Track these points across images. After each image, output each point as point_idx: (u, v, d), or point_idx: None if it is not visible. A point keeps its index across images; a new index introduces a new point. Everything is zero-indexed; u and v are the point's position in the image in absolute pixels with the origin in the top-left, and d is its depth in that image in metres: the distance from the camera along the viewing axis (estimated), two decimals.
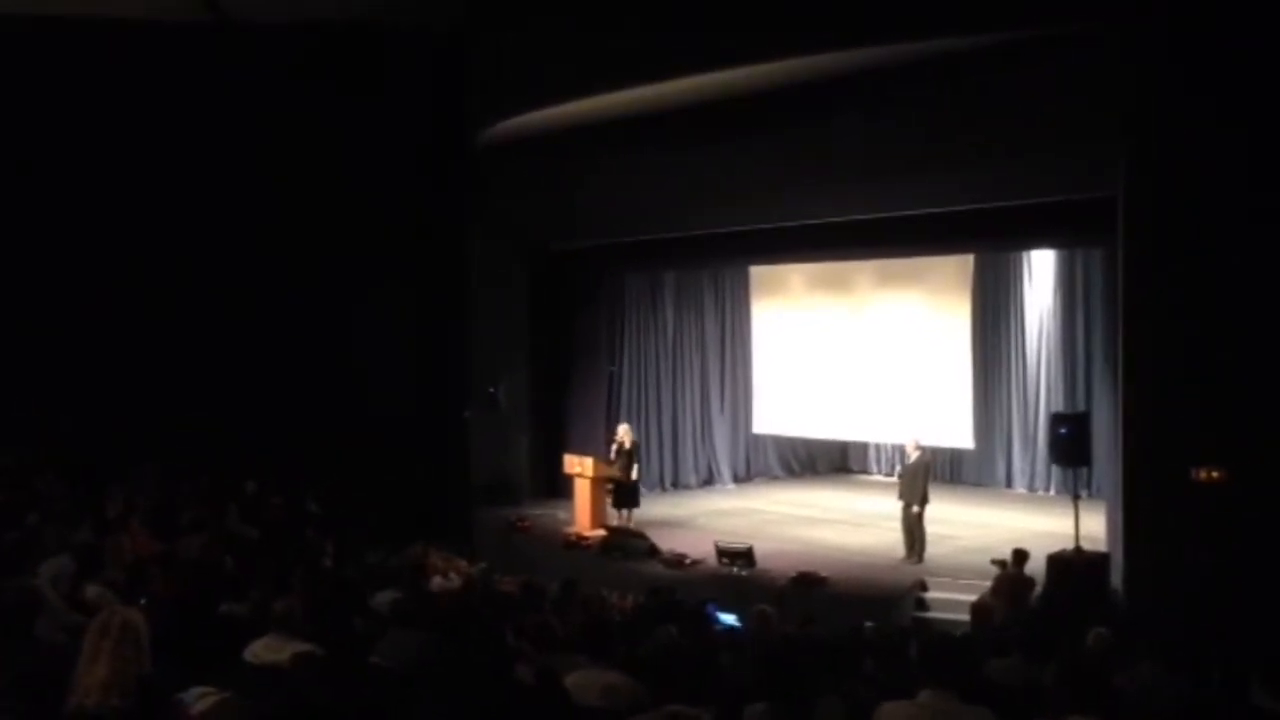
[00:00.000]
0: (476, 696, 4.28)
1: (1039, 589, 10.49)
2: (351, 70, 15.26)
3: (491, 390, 16.24)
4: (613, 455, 14.83)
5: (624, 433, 15.04)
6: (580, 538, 14.19)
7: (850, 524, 15.00)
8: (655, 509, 15.39)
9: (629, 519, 14.58)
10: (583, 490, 14.54)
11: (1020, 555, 10.57)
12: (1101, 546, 11.32)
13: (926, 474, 13.03)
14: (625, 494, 14.65)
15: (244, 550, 8.68)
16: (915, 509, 12.73)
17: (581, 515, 14.50)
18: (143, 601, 5.84)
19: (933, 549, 12.77)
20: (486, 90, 15.14)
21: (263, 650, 5.13)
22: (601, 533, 14.08)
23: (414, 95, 15.83)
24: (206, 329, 14.70)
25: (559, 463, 15.38)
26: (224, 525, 9.79)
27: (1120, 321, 10.53)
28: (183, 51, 14.68)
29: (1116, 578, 10.61)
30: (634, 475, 14.85)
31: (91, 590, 6.30)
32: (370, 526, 11.19)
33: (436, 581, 9.15)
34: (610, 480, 15.08)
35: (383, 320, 15.57)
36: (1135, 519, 10.27)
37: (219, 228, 14.93)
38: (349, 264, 15.22)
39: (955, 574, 12.00)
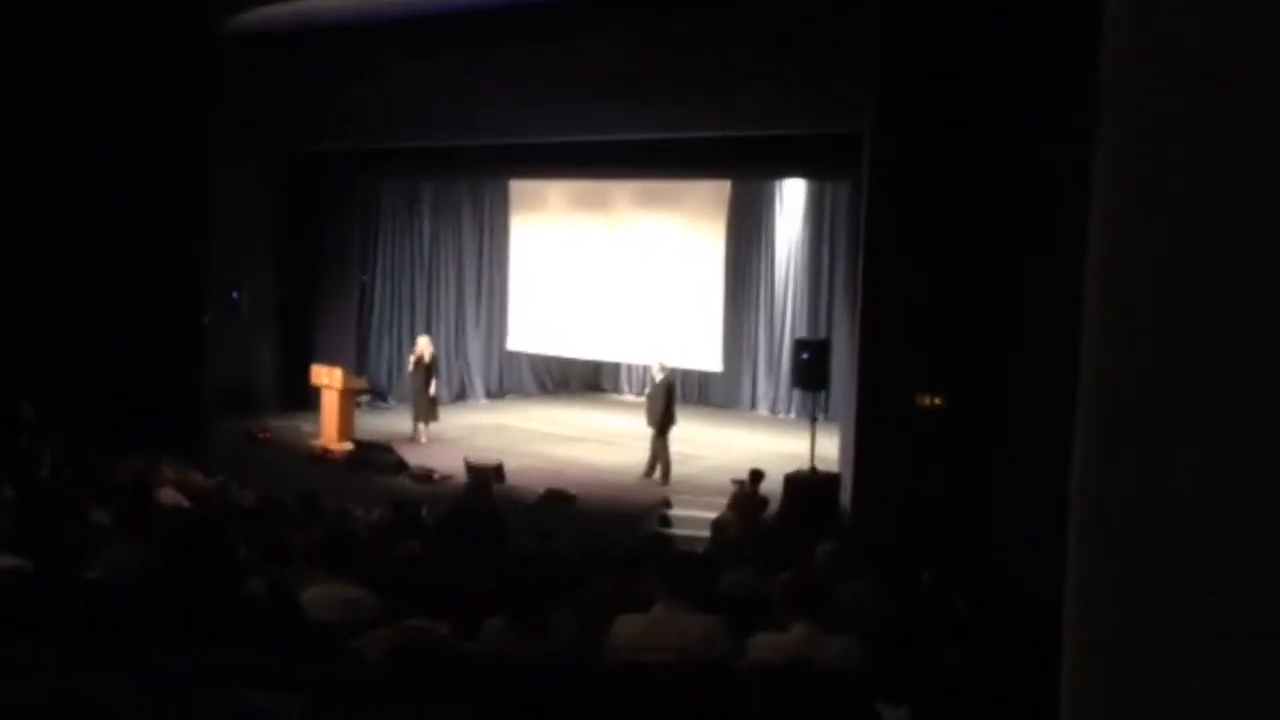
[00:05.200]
0: (201, 610, 4.11)
1: (773, 506, 11.00)
2: None
3: (233, 295, 15.47)
4: (410, 368, 14.83)
5: (424, 345, 14.87)
6: (326, 451, 13.85)
7: (600, 442, 15.25)
8: (405, 423, 15.19)
9: (424, 434, 14.65)
10: (330, 402, 14.15)
11: (756, 475, 11.03)
12: (835, 467, 11.96)
13: (670, 395, 13.33)
14: (426, 407, 14.68)
15: None
16: (657, 430, 13.02)
17: (328, 428, 14.13)
18: None
19: (678, 468, 13.12)
20: None
21: None
22: (348, 446, 13.78)
23: None
24: None
25: (306, 373, 14.90)
26: None
27: (860, 254, 11.04)
28: None
29: (846, 496, 11.24)
30: (432, 390, 14.74)
31: None
32: (94, 435, 10.50)
33: (168, 494, 8.72)
34: (361, 392, 14.84)
35: (112, 215, 14.44)
36: (864, 441, 10.88)
37: None
38: (74, 155, 13.98)
39: (698, 492, 12.40)
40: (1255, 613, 1.18)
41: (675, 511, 12.01)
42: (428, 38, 13.52)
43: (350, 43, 14.06)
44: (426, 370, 14.69)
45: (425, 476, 12.67)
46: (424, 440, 14.58)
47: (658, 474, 12.97)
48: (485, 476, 10.90)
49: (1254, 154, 1.19)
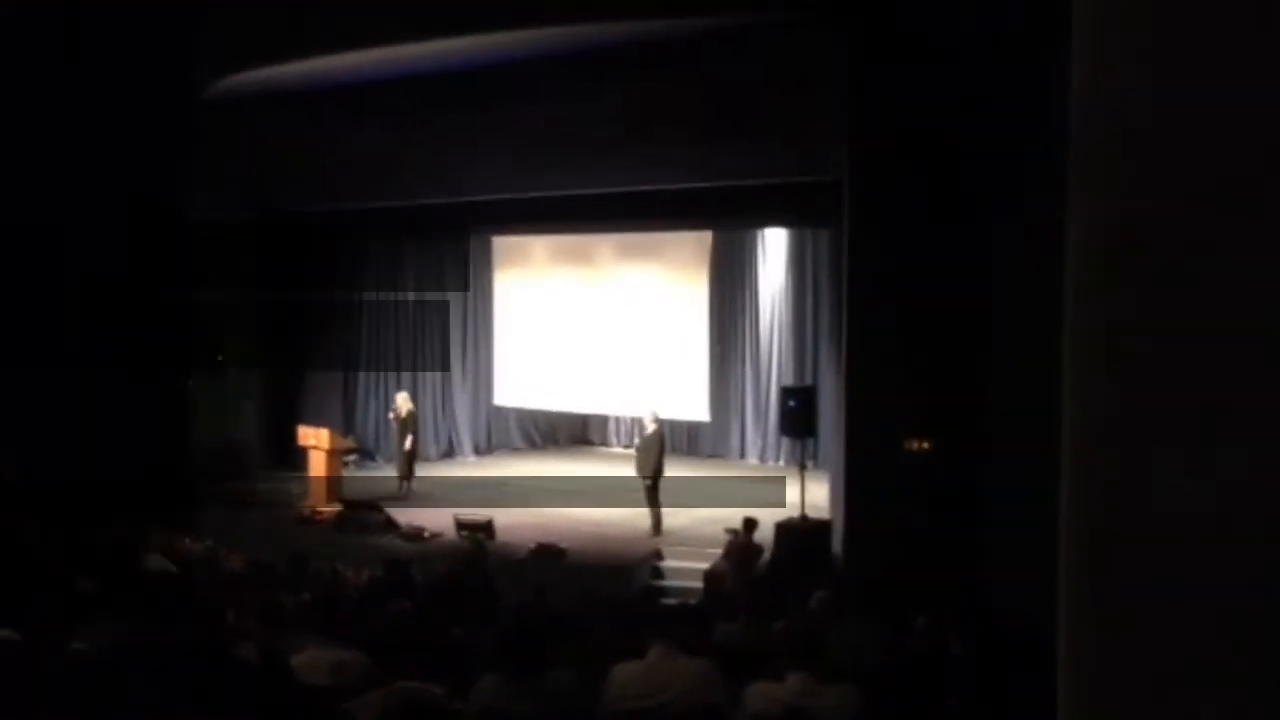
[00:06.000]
0: (191, 679, 4.05)
1: (766, 555, 10.95)
2: (74, 15, 13.98)
3: (219, 357, 15.43)
4: (391, 423, 14.99)
5: (402, 400, 14.90)
6: (314, 512, 13.76)
7: (590, 495, 15.14)
8: (394, 482, 15.12)
9: (408, 490, 14.64)
10: (317, 462, 14.08)
11: (749, 524, 10.98)
12: (825, 514, 11.92)
13: (661, 446, 13.28)
14: (402, 462, 14.73)
15: None
16: (649, 481, 12.96)
17: (316, 489, 14.04)
18: None
19: (669, 519, 13.05)
20: (220, 41, 14.27)
21: None
22: (336, 507, 13.70)
23: (143, 41, 14.68)
24: None
25: (292, 434, 14.85)
26: None
27: (843, 301, 11.09)
28: None
29: (837, 543, 11.20)
30: (406, 445, 14.71)
31: None
32: (80, 501, 10.39)
33: (155, 560, 8.63)
34: (348, 452, 14.80)
35: (96, 275, 14.39)
36: (853, 487, 10.86)
37: None
38: (56, 219, 13.97)
39: (690, 543, 12.33)
40: (1237, 622, 1.19)
41: (667, 563, 11.94)
42: (406, 98, 13.63)
43: (329, 104, 14.17)
44: (404, 426, 14.70)
45: (415, 535, 12.59)
46: (404, 494, 14.52)
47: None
48: (480, 547, 10.79)
49: (1223, 196, 1.21)
